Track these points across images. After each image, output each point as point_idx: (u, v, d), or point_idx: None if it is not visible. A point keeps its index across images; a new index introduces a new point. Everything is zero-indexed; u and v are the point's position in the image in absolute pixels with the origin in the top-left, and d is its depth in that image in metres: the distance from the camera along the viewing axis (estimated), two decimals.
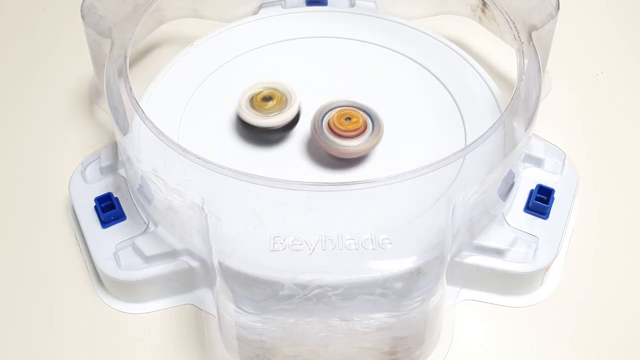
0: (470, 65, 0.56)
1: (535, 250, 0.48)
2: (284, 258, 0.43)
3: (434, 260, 0.43)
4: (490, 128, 0.45)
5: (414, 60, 0.57)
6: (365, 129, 0.50)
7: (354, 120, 0.50)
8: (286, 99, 0.51)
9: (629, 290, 0.50)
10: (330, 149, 0.50)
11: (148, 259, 0.48)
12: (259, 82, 0.52)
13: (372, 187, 0.43)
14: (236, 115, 0.52)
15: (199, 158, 0.44)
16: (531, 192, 0.51)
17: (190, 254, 0.48)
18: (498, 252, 0.48)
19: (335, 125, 0.50)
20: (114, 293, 0.50)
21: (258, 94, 0.52)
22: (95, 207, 0.50)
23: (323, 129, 0.50)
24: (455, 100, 0.54)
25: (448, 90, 0.55)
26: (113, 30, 0.52)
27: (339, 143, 0.50)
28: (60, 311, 0.50)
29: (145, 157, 0.48)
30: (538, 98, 0.48)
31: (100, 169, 0.52)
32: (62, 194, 0.54)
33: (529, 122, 0.47)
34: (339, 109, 0.51)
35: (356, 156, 0.50)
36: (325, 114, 0.51)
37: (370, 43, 0.58)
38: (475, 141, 0.45)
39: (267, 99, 0.51)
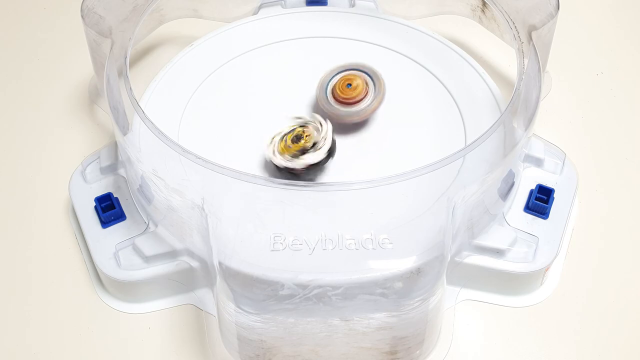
0: (470, 65, 0.56)
1: (535, 250, 0.48)
2: (284, 258, 0.43)
3: (434, 260, 0.43)
4: (490, 128, 0.45)
5: (413, 60, 0.57)
6: (367, 93, 0.52)
7: (354, 85, 0.51)
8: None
9: (629, 290, 0.50)
10: (336, 117, 0.51)
11: (148, 259, 0.48)
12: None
13: (372, 187, 0.43)
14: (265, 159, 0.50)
15: (199, 158, 0.44)
16: (531, 192, 0.51)
17: (190, 254, 0.48)
18: (498, 252, 0.48)
19: (337, 94, 0.51)
20: (114, 293, 0.50)
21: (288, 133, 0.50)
22: (95, 207, 0.50)
23: (328, 98, 0.52)
24: (455, 100, 0.54)
25: (448, 90, 0.55)
26: (113, 30, 0.52)
27: (344, 110, 0.51)
28: (60, 311, 0.50)
29: (145, 157, 0.48)
30: (538, 98, 0.48)
31: (100, 169, 0.52)
32: (62, 194, 0.54)
33: (529, 122, 0.47)
34: (340, 74, 0.52)
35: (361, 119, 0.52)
36: (328, 82, 0.52)
37: (370, 43, 0.58)
38: (475, 141, 0.45)
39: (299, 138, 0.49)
